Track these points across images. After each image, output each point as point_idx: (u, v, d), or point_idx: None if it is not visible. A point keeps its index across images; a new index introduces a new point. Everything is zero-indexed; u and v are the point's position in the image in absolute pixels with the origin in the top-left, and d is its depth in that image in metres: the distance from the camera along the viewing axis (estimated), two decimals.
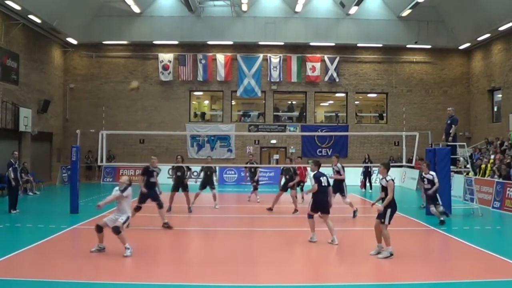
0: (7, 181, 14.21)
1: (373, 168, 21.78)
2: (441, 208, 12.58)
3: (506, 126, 22.19)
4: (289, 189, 14.47)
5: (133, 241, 9.82)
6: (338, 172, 13.17)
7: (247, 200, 17.19)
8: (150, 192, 11.50)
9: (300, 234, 10.80)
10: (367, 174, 21.76)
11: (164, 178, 19.60)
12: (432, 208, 12.62)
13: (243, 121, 27.59)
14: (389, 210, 8.65)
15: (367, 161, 22.25)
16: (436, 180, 12.70)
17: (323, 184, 9.78)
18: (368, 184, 21.66)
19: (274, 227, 12.38)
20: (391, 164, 10.01)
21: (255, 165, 17.47)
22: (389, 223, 8.72)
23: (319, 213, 9.86)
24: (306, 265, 8.58)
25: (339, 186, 12.93)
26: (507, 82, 22.90)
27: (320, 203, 9.76)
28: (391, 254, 8.60)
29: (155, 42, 26.19)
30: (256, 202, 16.55)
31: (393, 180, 8.84)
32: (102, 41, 26.20)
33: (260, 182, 18.02)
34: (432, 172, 12.96)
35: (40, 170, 22.95)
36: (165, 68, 26.42)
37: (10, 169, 14.05)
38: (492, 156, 19.21)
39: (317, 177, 9.76)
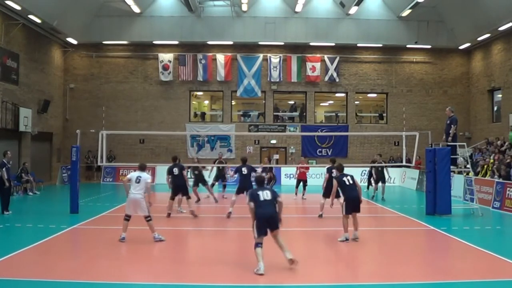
0: (0, 182, 14.05)
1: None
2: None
3: (506, 126, 22.16)
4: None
5: (133, 241, 9.83)
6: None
7: (224, 198, 17.50)
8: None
9: (299, 234, 10.80)
10: (371, 175, 21.60)
11: (162, 178, 20.08)
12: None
13: (243, 121, 27.58)
14: (344, 203, 10.20)
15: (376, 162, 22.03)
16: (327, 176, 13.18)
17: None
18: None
19: None
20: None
21: (223, 164, 18.55)
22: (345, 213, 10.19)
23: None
24: (306, 265, 8.57)
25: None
26: (507, 82, 22.90)
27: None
28: (347, 239, 10.01)
29: (155, 42, 26.18)
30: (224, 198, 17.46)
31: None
32: (102, 41, 26.19)
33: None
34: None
35: (40, 170, 22.93)
36: (165, 68, 26.41)
37: (4, 169, 13.87)
38: (492, 156, 19.19)
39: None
